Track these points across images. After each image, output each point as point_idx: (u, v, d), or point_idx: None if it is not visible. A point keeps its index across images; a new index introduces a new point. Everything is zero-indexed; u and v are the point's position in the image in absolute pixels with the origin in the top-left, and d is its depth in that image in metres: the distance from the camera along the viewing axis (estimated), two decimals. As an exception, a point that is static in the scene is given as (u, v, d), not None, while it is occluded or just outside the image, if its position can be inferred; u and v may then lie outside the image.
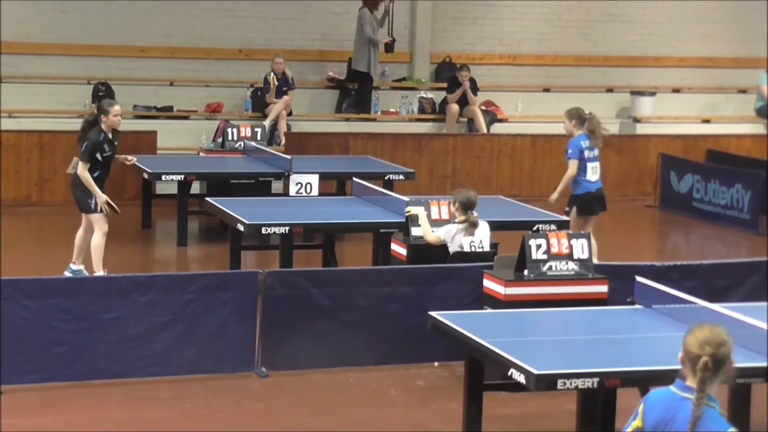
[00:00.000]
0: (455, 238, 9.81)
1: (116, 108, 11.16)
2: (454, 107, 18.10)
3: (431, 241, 9.99)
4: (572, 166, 11.81)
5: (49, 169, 16.01)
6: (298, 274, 9.45)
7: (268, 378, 9.09)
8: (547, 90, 19.54)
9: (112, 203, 11.09)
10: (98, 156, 11.07)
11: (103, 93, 17.26)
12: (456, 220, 9.92)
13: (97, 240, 11.06)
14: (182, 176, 13.62)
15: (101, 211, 11.05)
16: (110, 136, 11.12)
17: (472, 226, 9.81)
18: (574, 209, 11.80)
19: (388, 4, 17.93)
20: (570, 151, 11.89)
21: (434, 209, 10.41)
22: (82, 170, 10.99)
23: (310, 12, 18.58)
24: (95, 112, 11.25)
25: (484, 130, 18.04)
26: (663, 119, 19.33)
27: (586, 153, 11.82)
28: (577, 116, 11.97)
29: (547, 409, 8.42)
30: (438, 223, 10.20)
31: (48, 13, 17.53)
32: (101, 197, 11.05)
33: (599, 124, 12.00)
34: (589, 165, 11.83)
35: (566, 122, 12.04)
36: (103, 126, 11.04)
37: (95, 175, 11.05)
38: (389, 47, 17.99)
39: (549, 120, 18.77)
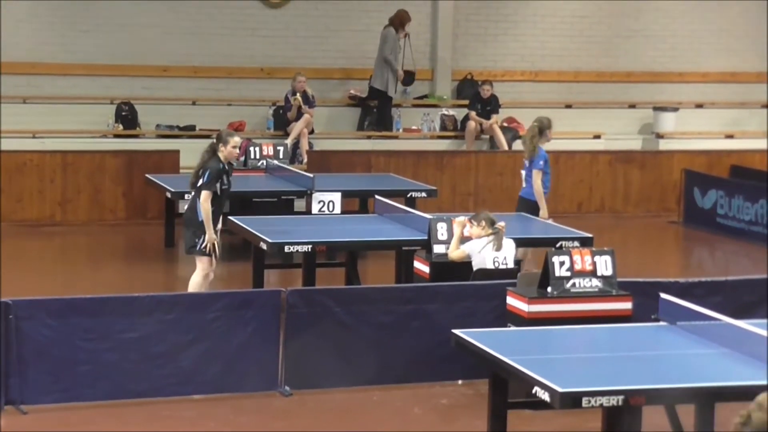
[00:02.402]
0: (484, 250, 9.78)
1: (236, 139, 10.58)
2: (472, 124, 18.09)
3: (455, 256, 9.98)
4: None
5: (73, 189, 16.07)
6: (321, 293, 9.44)
7: (291, 396, 9.07)
8: (569, 106, 19.50)
9: (217, 247, 10.42)
10: (216, 187, 10.44)
11: (126, 113, 17.34)
12: (483, 235, 9.91)
13: (197, 280, 10.52)
14: (205, 195, 13.61)
15: (207, 252, 10.42)
16: (227, 167, 10.59)
17: (500, 239, 9.83)
18: None
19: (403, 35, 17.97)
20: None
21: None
22: (206, 200, 10.30)
23: (331, 30, 18.62)
24: (214, 141, 10.64)
25: (505, 147, 18.02)
26: (686, 135, 19.26)
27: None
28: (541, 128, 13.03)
29: (572, 427, 8.36)
30: (462, 240, 10.19)
31: (70, 33, 17.62)
32: (211, 235, 10.36)
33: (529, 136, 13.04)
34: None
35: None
36: (221, 155, 10.52)
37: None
38: (408, 80, 18.15)
39: (571, 137, 18.75)
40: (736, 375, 6.95)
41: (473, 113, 18.15)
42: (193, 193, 10.60)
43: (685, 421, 7.54)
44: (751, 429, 4.56)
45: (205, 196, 10.38)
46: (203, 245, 10.44)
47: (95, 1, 17.64)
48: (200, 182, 10.46)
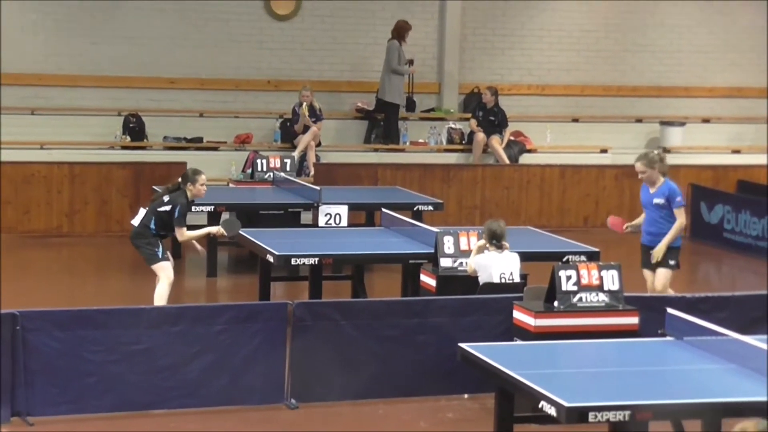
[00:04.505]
0: (493, 266, 9.78)
1: (203, 177, 11.23)
2: (480, 135, 18.09)
3: (469, 270, 10.01)
4: (683, 215, 11.00)
5: (80, 200, 16.10)
6: (328, 305, 9.45)
7: (297, 409, 9.08)
8: (575, 120, 19.52)
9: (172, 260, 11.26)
10: (185, 221, 11.15)
11: (133, 124, 17.37)
12: (489, 250, 9.93)
13: (163, 288, 10.91)
14: (212, 207, 13.66)
15: (168, 258, 11.06)
16: (191, 203, 11.28)
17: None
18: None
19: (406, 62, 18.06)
20: (679, 198, 10.99)
21: (463, 240, 10.39)
22: (181, 233, 10.99)
23: (338, 43, 18.65)
24: (179, 180, 11.29)
25: (506, 162, 18.01)
26: (693, 149, 19.25)
27: None
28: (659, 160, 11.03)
29: (578, 441, 8.36)
30: (467, 254, 10.20)
31: (79, 45, 17.67)
32: (209, 231, 11.43)
33: None
34: None
35: (647, 170, 11.08)
36: (188, 193, 11.09)
37: (162, 232, 11.06)
38: (408, 107, 18.28)
39: (578, 150, 18.75)
40: (742, 390, 6.94)
41: (473, 122, 18.16)
42: (146, 212, 11.11)
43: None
44: None
45: (180, 231, 11.05)
46: (164, 254, 11.01)
47: (103, 14, 17.69)
48: (163, 208, 10.99)
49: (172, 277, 11.01)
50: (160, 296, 10.89)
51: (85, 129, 17.32)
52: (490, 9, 19.24)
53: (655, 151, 11.45)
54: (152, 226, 11.00)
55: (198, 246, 11.63)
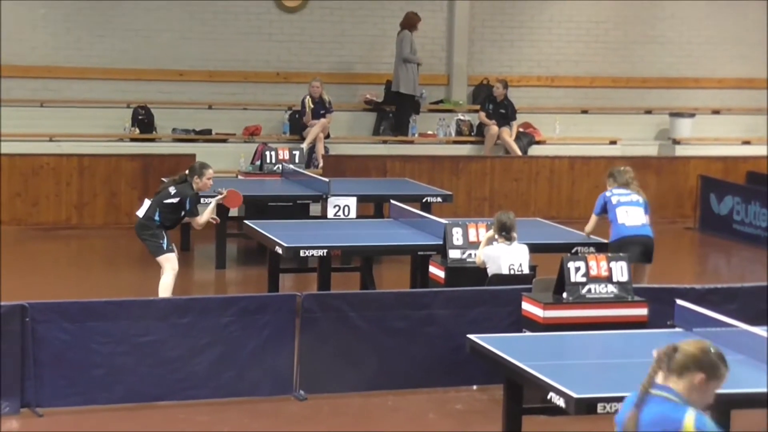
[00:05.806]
0: (502, 258, 9.78)
1: (211, 171, 11.34)
2: (494, 129, 18.07)
3: (477, 262, 10.01)
4: (589, 220, 11.50)
5: (89, 192, 16.12)
6: (336, 297, 9.44)
7: (306, 401, 9.08)
8: (585, 112, 19.49)
9: (174, 247, 11.36)
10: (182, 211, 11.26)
11: (142, 116, 17.38)
12: (497, 241, 9.93)
13: (168, 280, 10.96)
14: (219, 199, 13.65)
15: (173, 249, 11.17)
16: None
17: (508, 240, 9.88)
18: None
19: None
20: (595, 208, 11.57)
21: (472, 231, 10.38)
22: (197, 223, 11.27)
23: (347, 35, 18.64)
24: (186, 172, 11.41)
25: (518, 153, 18.00)
26: (702, 141, 19.22)
27: (615, 199, 11.36)
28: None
29: (587, 433, 8.35)
30: (476, 246, 10.20)
31: (87, 38, 17.68)
32: (207, 214, 11.39)
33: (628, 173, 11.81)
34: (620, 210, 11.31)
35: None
36: (194, 185, 11.19)
37: (167, 224, 11.15)
38: (415, 109, 18.27)
39: (587, 142, 18.73)
40: (751, 382, 6.93)
41: (483, 114, 18.14)
42: (150, 203, 11.22)
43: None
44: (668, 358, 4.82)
45: (195, 221, 11.32)
46: (169, 245, 11.10)
47: (112, 6, 17.71)
48: (170, 200, 11.12)
49: (177, 268, 11.06)
50: (165, 287, 10.93)
51: (94, 121, 17.34)
52: (499, 1, 19.22)
53: (622, 168, 11.91)
54: (157, 217, 11.05)
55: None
